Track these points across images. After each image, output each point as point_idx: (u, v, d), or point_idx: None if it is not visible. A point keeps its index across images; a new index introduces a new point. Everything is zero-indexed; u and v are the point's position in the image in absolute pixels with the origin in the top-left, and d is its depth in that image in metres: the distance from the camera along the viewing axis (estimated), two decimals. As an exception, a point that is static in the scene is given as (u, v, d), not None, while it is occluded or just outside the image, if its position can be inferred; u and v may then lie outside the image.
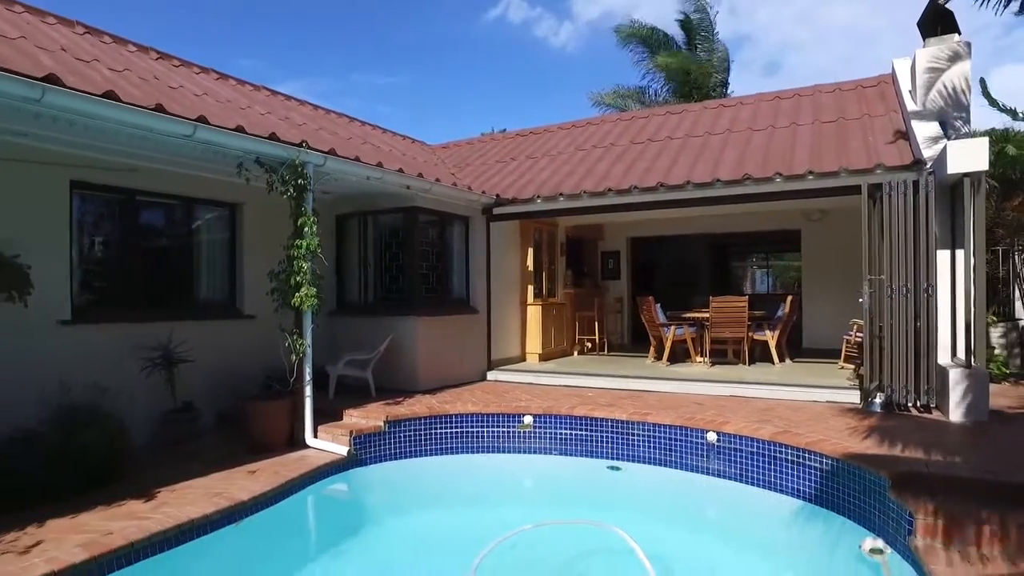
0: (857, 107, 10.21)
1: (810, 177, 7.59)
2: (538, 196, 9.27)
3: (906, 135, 8.18)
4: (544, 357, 10.40)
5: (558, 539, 4.72)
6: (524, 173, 11.32)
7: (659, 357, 9.89)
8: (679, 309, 10.89)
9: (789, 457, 5.30)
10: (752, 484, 5.53)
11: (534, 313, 10.37)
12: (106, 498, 4.83)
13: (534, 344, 10.33)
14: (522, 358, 10.41)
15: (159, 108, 5.12)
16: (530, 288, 10.42)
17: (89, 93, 4.64)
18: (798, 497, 5.19)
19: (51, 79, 4.42)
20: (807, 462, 5.14)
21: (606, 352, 11.66)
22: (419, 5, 51.57)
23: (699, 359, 9.73)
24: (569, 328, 11.39)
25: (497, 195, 9.44)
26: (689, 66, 18.83)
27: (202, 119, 5.40)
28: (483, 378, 9.36)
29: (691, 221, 12.81)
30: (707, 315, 9.46)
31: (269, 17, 51.78)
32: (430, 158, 13.02)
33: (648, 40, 19.66)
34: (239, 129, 5.71)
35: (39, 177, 5.88)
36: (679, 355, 10.01)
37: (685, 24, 19.58)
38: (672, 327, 9.69)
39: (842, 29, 47.27)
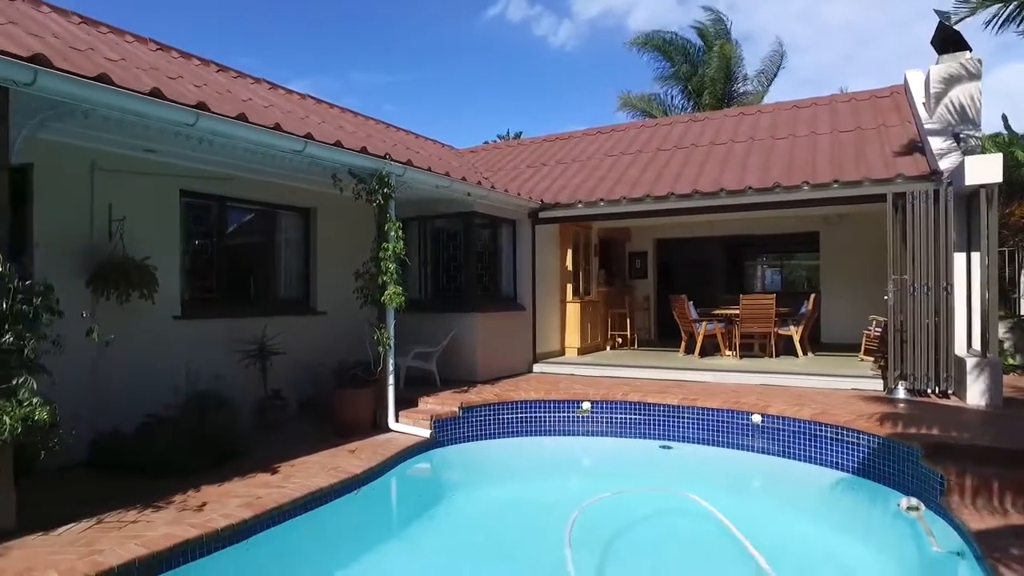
0: (872, 117, 10.92)
1: (835, 186, 8.31)
2: (580, 201, 9.99)
3: (921, 146, 8.89)
4: (582, 351, 11.14)
5: (634, 505, 5.46)
6: (557, 178, 12.04)
7: (690, 351, 10.62)
8: (700, 306, 11.62)
9: (828, 434, 6.04)
10: (795, 459, 6.28)
11: (573, 310, 11.11)
12: (238, 471, 5.53)
13: (573, 339, 11.08)
14: (562, 352, 11.14)
15: (277, 127, 5.83)
16: (569, 287, 11.16)
17: (226, 116, 5.35)
18: (838, 469, 5.94)
19: (201, 106, 5.14)
20: (845, 438, 5.89)
21: (636, 347, 12.41)
22: (418, 3, 51.77)
23: (728, 352, 10.47)
24: (602, 324, 12.13)
25: (542, 200, 10.16)
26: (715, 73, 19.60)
27: (309, 136, 6.12)
28: (530, 370, 10.10)
29: (713, 224, 13.56)
30: (737, 312, 10.19)
31: (267, 14, 51.67)
32: (462, 162, 13.72)
33: (665, 49, 20.40)
34: (338, 144, 6.43)
35: (156, 187, 6.61)
36: (707, 349, 10.74)
37: (702, 32, 20.33)
38: (703, 323, 10.42)
39: (843, 27, 47.90)
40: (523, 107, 57.19)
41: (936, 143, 8.38)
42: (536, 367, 10.17)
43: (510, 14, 52.34)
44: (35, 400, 3.92)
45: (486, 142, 29.85)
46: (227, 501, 4.80)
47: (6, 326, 3.98)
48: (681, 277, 14.92)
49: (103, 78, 4.46)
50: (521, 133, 30.06)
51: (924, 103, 9.54)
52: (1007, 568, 3.41)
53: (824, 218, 12.13)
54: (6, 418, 3.85)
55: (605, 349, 12.05)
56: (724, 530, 4.54)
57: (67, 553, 3.82)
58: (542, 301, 10.56)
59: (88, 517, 4.40)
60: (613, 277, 13.22)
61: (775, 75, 20.35)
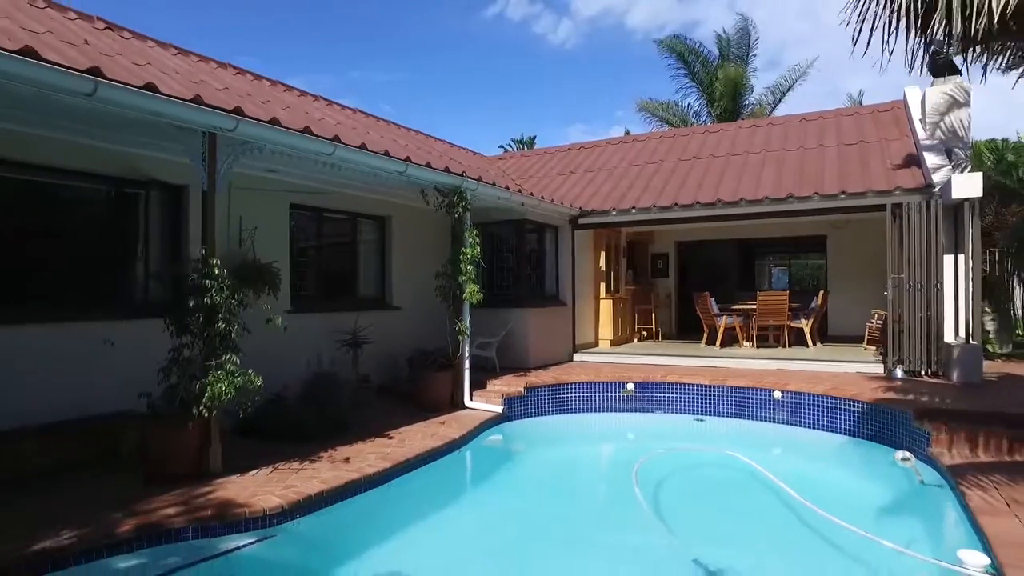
0: (875, 131, 12.14)
1: (842, 196, 9.56)
2: (614, 209, 11.28)
3: (918, 159, 10.14)
4: (613, 343, 12.43)
5: (681, 460, 6.78)
6: (587, 186, 13.31)
7: (711, 342, 11.90)
8: (717, 303, 12.87)
9: (838, 406, 7.34)
10: (810, 427, 7.59)
11: (606, 306, 12.41)
12: (357, 437, 6.79)
13: (606, 332, 12.38)
14: (596, 344, 12.44)
15: (386, 153, 7.11)
16: (602, 285, 12.46)
17: (353, 146, 6.62)
18: (845, 434, 7.25)
19: (336, 139, 6.41)
20: (852, 408, 7.18)
21: (660, 339, 13.70)
22: (418, 1, 52.38)
23: (745, 343, 11.75)
24: (630, 319, 13.42)
25: (581, 208, 11.44)
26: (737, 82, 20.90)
27: (408, 159, 7.40)
28: (570, 359, 11.39)
29: (730, 228, 14.82)
30: (754, 307, 11.48)
31: (265, 11, 52.13)
32: (497, 170, 14.98)
33: (684, 54, 21.67)
34: (428, 165, 7.71)
35: (273, 201, 7.90)
36: (726, 340, 12.01)
37: (720, 43, 21.65)
38: (724, 316, 11.70)
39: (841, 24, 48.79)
40: (523, 104, 58.01)
41: (931, 159, 9.63)
42: (576, 356, 11.47)
43: (510, 12, 53.20)
44: (249, 371, 5.22)
45: (501, 147, 31.14)
46: (364, 457, 6.09)
47: (219, 315, 5.28)
48: (699, 276, 16.19)
49: (275, 122, 5.76)
50: (535, 137, 31.22)
51: (920, 120, 10.76)
52: (968, 488, 4.72)
53: (831, 223, 13.37)
54: (222, 385, 5.16)
55: (633, 341, 13.34)
56: (758, 476, 5.83)
57: (269, 486, 5.12)
58: (580, 298, 11.86)
59: (265, 466, 5.69)
60: (638, 276, 14.51)
61: (790, 88, 21.59)
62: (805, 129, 13.37)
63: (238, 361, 5.34)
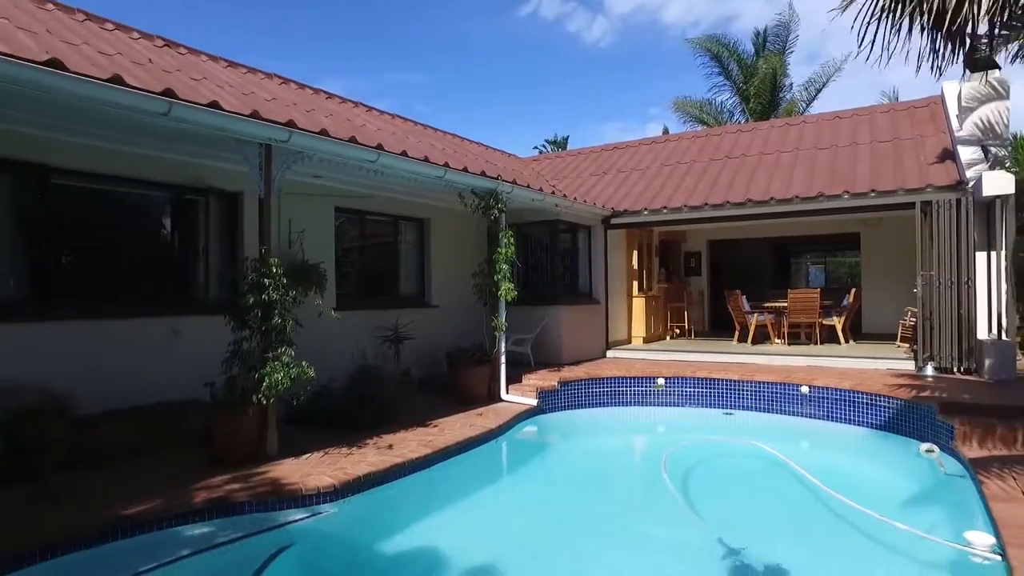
0: (910, 128, 12.10)
1: (872, 195, 9.63)
2: (645, 209, 11.53)
3: (953, 156, 10.12)
4: (646, 340, 12.68)
5: (709, 450, 7.04)
6: (619, 186, 13.57)
7: (743, 339, 12.05)
8: (750, 300, 12.99)
9: (864, 400, 7.50)
10: (837, 421, 7.76)
11: (638, 304, 12.67)
12: (400, 426, 7.22)
13: (639, 329, 12.64)
14: (628, 341, 12.70)
15: (426, 159, 7.54)
16: (635, 283, 12.72)
17: (395, 153, 7.06)
18: (870, 427, 7.41)
19: (379, 147, 6.86)
20: (877, 403, 7.34)
21: (692, 337, 13.88)
22: (451, 2, 52.56)
23: (777, 340, 11.88)
24: (662, 316, 13.64)
25: (613, 208, 11.72)
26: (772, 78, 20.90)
27: (447, 164, 7.81)
28: (603, 355, 11.69)
29: (762, 226, 14.87)
30: (785, 304, 11.60)
31: (300, 17, 53.17)
32: (531, 171, 15.34)
33: (718, 53, 21.71)
34: (465, 169, 8.11)
35: (318, 205, 8.40)
36: (757, 337, 12.14)
37: (757, 39, 21.64)
38: (755, 314, 11.85)
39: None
40: (558, 102, 57.98)
41: (966, 154, 9.60)
42: (609, 353, 11.76)
43: (543, 11, 53.19)
44: (303, 363, 5.70)
45: (535, 148, 31.49)
46: (407, 444, 6.52)
47: (275, 311, 5.77)
48: (731, 274, 16.30)
49: (324, 132, 6.23)
50: (568, 137, 31.48)
51: (956, 115, 10.70)
52: (987, 478, 4.89)
53: (863, 221, 13.36)
54: (279, 375, 5.63)
55: (665, 338, 13.56)
56: (783, 466, 6.07)
57: (321, 468, 5.57)
58: (612, 296, 12.14)
59: (317, 450, 6.16)
60: (671, 274, 14.70)
61: (824, 84, 21.42)
62: (838, 127, 13.36)
63: (292, 353, 5.81)
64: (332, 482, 5.20)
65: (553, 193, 9.97)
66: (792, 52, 21.63)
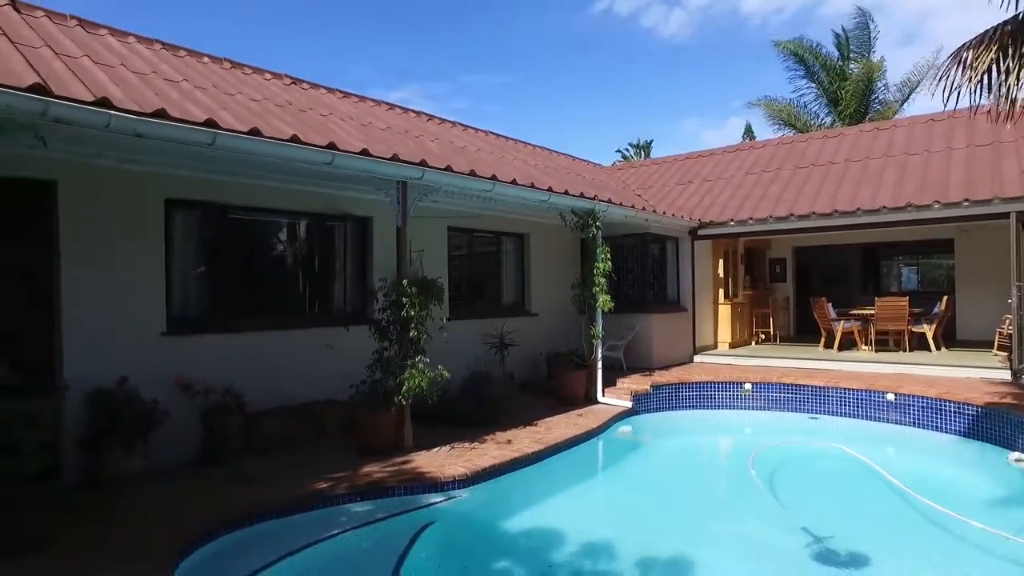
0: (1012, 130, 11.65)
1: (965, 204, 9.69)
2: (731, 220, 11.97)
3: (1057, 162, 9.99)
4: (732, 345, 13.12)
5: (795, 451, 7.58)
6: (705, 195, 13.97)
7: (829, 346, 12.28)
8: (837, 307, 13.13)
9: (951, 408, 7.79)
10: (922, 428, 8.08)
11: (724, 311, 13.12)
12: (511, 425, 8.08)
13: (725, 335, 13.10)
14: (715, 346, 13.18)
15: (532, 185, 8.40)
16: (721, 291, 13.19)
17: (506, 182, 7.94)
18: (958, 435, 7.70)
19: (494, 177, 7.77)
20: (965, 411, 7.63)
21: (778, 342, 14.16)
22: (524, 2, 52.03)
23: (864, 347, 12.06)
24: (748, 322, 14.02)
25: (699, 219, 12.24)
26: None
27: (550, 189, 8.65)
28: (691, 360, 12.24)
29: (849, 233, 14.87)
30: (872, 312, 11.77)
31: (375, 24, 54.12)
32: (616, 181, 15.98)
33: (803, 56, 21.60)
34: (566, 192, 8.92)
35: (434, 225, 9.40)
36: (844, 344, 12.33)
37: (839, 43, 21.40)
38: (841, 321, 12.07)
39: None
40: (635, 98, 57.22)
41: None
42: (696, 358, 12.30)
43: (618, 7, 52.19)
44: (439, 367, 6.68)
45: (618, 151, 31.92)
46: (520, 440, 7.39)
47: (412, 325, 6.77)
48: (818, 279, 16.38)
49: (448, 169, 7.19)
50: (652, 141, 31.74)
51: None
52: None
53: (958, 227, 13.22)
54: (417, 379, 6.63)
55: (751, 344, 13.92)
56: (868, 468, 6.56)
57: (452, 460, 6.52)
58: (699, 303, 12.66)
59: (444, 445, 7.12)
60: (756, 281, 15.01)
61: (918, 84, 20.89)
62: (932, 131, 13.12)
63: (427, 360, 6.80)
64: (464, 471, 6.13)
65: (644, 209, 10.65)
66: (874, 52, 21.25)
